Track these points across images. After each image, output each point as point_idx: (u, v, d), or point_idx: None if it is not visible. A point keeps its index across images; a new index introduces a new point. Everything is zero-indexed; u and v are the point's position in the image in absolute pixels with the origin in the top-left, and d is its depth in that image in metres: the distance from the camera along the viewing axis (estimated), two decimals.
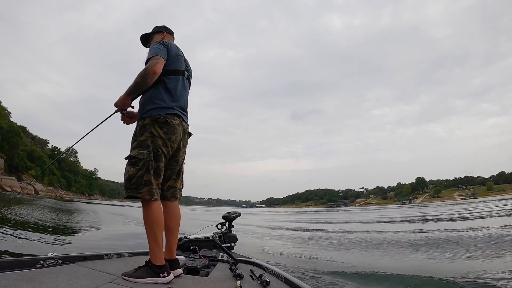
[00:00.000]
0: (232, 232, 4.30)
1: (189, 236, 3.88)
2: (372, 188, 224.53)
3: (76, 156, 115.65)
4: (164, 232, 2.25)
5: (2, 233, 6.78)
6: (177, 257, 2.42)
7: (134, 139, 2.22)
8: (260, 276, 2.21)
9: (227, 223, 4.35)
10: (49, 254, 2.17)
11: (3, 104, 73.50)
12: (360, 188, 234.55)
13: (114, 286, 1.83)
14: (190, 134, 2.49)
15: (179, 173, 2.47)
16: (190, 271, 2.56)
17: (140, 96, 2.34)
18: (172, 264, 2.24)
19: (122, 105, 2.29)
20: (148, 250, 2.14)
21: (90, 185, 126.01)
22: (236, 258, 3.01)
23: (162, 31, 2.63)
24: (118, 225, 13.62)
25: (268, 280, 2.11)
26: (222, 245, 3.48)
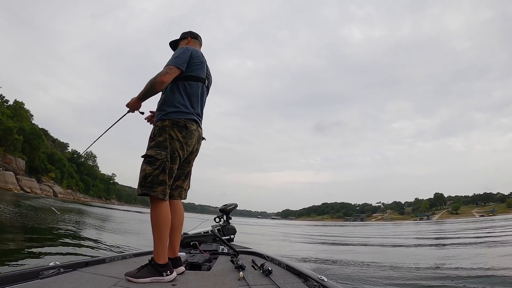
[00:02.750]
0: (230, 224, 4.27)
1: (188, 232, 3.87)
2: (389, 203, 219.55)
3: (95, 161, 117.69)
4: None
5: None
6: (178, 254, 2.43)
7: (152, 138, 2.27)
8: (262, 265, 2.23)
9: (225, 215, 4.32)
10: (51, 264, 2.15)
11: (26, 106, 75.10)
12: (377, 203, 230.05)
13: None
14: (203, 139, 2.56)
15: (188, 175, 2.54)
16: (192, 266, 2.58)
17: (160, 98, 2.43)
18: (175, 262, 2.28)
19: (133, 107, 2.41)
20: (149, 250, 2.21)
21: (108, 190, 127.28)
22: (236, 249, 3.02)
23: (187, 36, 2.69)
24: None
25: (270, 269, 2.15)
26: (222, 237, 3.50)
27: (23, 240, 6.96)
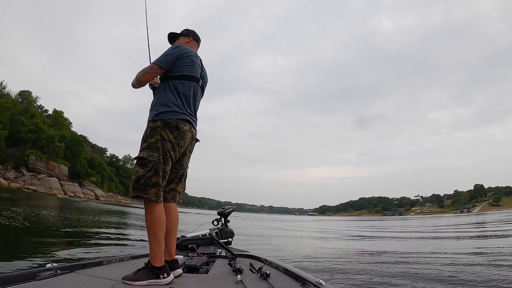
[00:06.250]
0: (228, 227, 4.24)
1: (186, 235, 3.88)
2: (428, 195, 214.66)
3: (133, 164, 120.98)
4: None
5: None
6: (176, 257, 2.45)
7: (145, 140, 2.28)
8: (260, 269, 2.24)
9: (223, 218, 4.30)
10: (48, 265, 2.18)
11: (64, 115, 78.50)
12: (415, 196, 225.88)
13: None
14: (197, 140, 2.56)
15: (182, 177, 2.53)
16: (190, 269, 2.61)
17: (152, 98, 2.50)
18: (172, 265, 2.30)
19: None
20: (147, 253, 2.23)
21: None
22: (234, 253, 3.03)
23: (190, 35, 2.72)
24: None
25: (268, 272, 2.15)
26: (220, 241, 3.49)
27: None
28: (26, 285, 1.82)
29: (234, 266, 2.36)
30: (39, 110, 72.72)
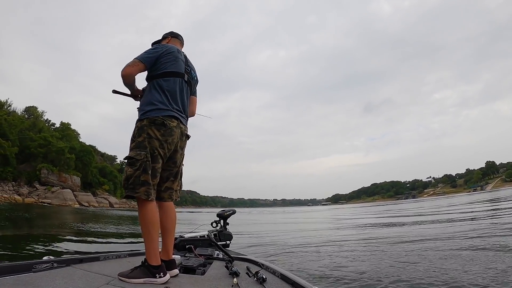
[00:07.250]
0: (227, 230, 4.22)
1: (184, 235, 3.88)
2: (440, 176, 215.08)
3: None
4: (160, 233, 2.29)
5: None
6: (173, 257, 2.43)
7: (133, 140, 2.28)
8: (257, 273, 2.22)
9: (222, 221, 4.28)
10: (45, 258, 2.19)
11: (71, 126, 79.23)
12: (427, 178, 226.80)
13: None
14: (188, 136, 2.54)
15: (177, 175, 2.51)
16: (186, 270, 2.59)
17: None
18: (169, 265, 2.28)
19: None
20: (144, 251, 2.20)
21: None
22: (232, 255, 3.00)
23: (168, 36, 2.76)
24: None
25: (264, 277, 2.14)
26: (218, 243, 3.48)
27: None
28: (22, 276, 1.83)
29: (231, 269, 2.37)
30: (47, 124, 73.69)
